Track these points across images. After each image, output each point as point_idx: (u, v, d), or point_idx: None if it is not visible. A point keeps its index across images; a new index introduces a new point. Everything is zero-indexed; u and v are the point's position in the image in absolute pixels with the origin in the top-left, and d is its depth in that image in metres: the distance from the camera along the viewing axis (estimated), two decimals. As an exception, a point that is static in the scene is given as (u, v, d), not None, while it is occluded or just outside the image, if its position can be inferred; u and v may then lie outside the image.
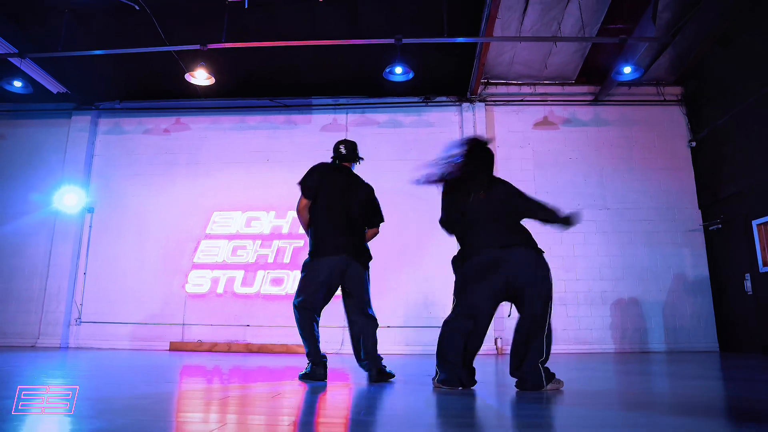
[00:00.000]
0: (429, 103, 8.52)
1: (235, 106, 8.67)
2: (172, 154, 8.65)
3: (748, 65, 7.05)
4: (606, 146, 8.40)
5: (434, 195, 8.37)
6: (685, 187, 8.24)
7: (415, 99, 8.50)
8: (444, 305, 7.55)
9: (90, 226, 8.46)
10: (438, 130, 8.42)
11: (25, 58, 6.66)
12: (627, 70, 6.57)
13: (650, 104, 8.53)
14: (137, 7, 6.28)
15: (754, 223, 6.81)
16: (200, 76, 6.64)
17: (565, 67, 8.38)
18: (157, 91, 8.57)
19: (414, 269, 7.87)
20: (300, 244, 8.02)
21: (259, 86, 8.34)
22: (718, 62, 7.73)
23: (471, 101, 8.41)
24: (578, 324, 7.71)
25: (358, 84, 8.27)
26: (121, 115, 8.86)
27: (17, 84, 6.79)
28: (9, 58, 6.63)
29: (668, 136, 8.44)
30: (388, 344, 7.64)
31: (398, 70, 6.48)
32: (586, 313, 7.75)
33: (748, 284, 6.95)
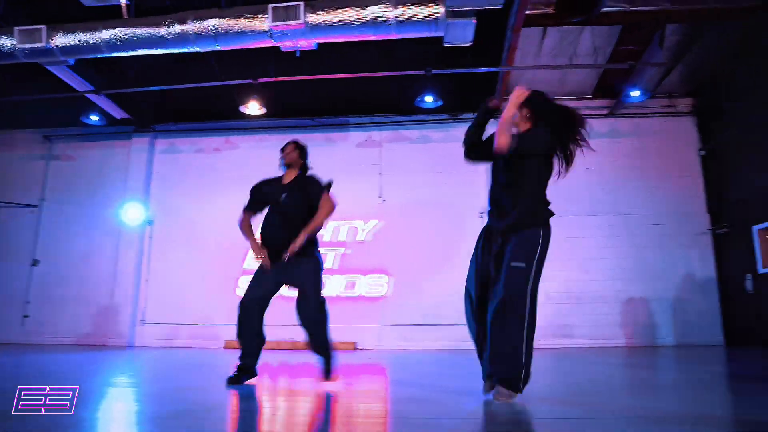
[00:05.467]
0: (456, 120, 9.26)
1: (278, 125, 9.51)
2: (222, 171, 9.54)
3: (750, 85, 7.70)
4: (621, 156, 9.05)
5: (462, 204, 8.99)
6: (695, 193, 8.87)
7: (444, 116, 9.25)
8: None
9: (150, 237, 9.42)
10: (464, 145, 9.16)
11: (100, 95, 7.57)
12: (635, 93, 7.26)
13: (663, 116, 9.14)
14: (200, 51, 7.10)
15: (755, 228, 7.47)
16: (253, 108, 7.51)
17: (581, 84, 9.05)
18: (208, 114, 9.47)
19: (444, 270, 8.64)
20: (341, 251, 8.88)
21: (302, 109, 9.19)
22: (725, 79, 8.36)
23: (495, 117, 9.06)
24: (593, 321, 8.44)
25: (392, 107, 9.07)
26: (175, 136, 9.78)
27: (94, 118, 7.76)
28: (86, 95, 7.55)
29: (680, 145, 9.05)
30: (423, 341, 8.48)
31: (428, 99, 7.25)
32: (601, 310, 8.47)
33: (749, 284, 7.61)
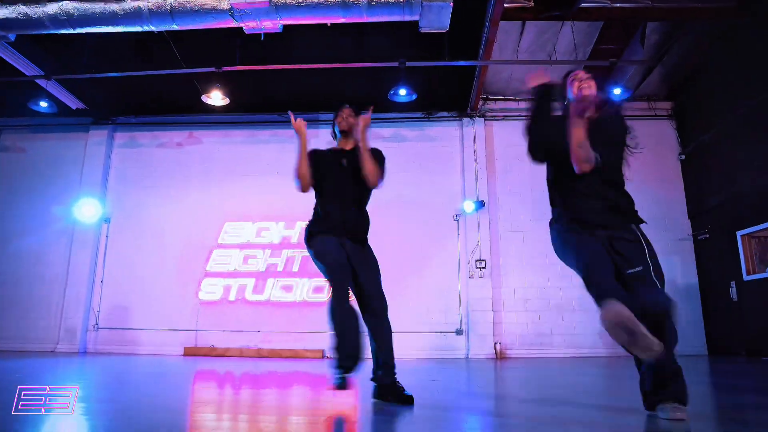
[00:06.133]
0: (431, 119, 8.93)
1: (245, 121, 9.08)
2: (186, 166, 9.05)
3: (727, 87, 7.51)
4: (600, 159, 8.78)
5: (437, 205, 8.62)
6: (675, 197, 8.65)
7: (418, 114, 8.91)
8: (444, 311, 7.95)
9: (107, 236, 8.85)
10: (439, 144, 8.83)
11: (51, 80, 7.05)
12: (617, 91, 6.98)
13: (642, 119, 8.91)
14: (156, 31, 6.65)
15: (739, 233, 7.21)
16: (216, 97, 7.06)
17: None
18: (170, 107, 8.97)
19: (417, 276, 8.23)
20: (305, 253, 8.41)
21: (269, 102, 8.75)
22: (702, 81, 8.18)
23: (471, 116, 8.82)
24: (573, 329, 8.09)
25: (364, 101, 8.66)
26: (136, 129, 9.26)
27: (43, 104, 7.21)
28: (35, 80, 7.02)
29: (659, 149, 8.83)
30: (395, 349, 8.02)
31: (402, 92, 6.90)
32: (581, 318, 8.12)
33: (733, 291, 7.35)
